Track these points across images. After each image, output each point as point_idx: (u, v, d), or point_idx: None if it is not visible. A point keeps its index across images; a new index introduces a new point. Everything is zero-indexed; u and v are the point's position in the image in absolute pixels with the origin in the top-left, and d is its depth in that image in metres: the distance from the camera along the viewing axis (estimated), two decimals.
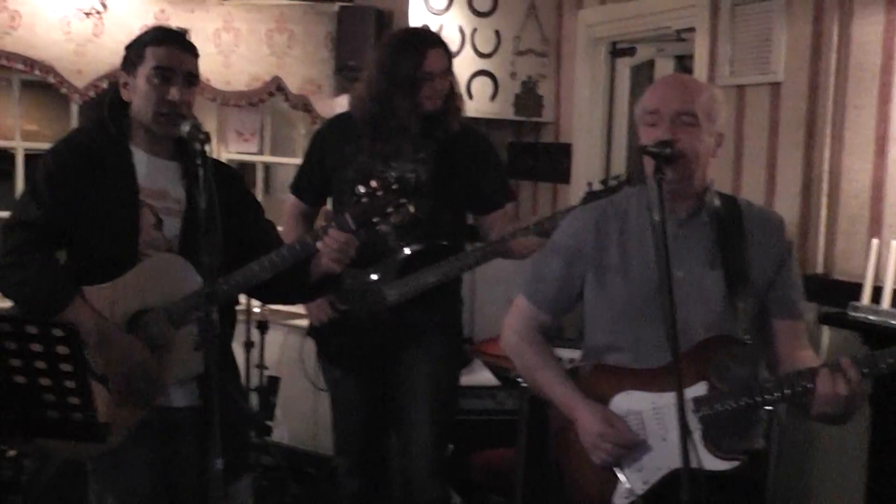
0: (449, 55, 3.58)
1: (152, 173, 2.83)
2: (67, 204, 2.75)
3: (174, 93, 2.75)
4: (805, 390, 2.40)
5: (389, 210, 2.70)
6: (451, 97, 3.59)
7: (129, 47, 2.86)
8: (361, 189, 2.71)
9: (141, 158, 2.84)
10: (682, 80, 2.79)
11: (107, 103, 2.86)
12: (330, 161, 3.62)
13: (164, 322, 2.74)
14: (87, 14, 5.01)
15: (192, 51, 2.84)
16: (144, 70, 2.78)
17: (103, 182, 2.79)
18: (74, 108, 5.36)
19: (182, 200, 2.85)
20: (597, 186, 3.34)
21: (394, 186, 2.68)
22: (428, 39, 3.58)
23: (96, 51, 5.05)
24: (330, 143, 3.65)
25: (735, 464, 2.48)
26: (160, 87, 2.75)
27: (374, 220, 2.71)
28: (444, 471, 3.65)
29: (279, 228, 3.16)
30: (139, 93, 2.79)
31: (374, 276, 3.47)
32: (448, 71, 3.55)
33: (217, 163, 3.01)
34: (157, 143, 2.84)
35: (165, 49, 2.78)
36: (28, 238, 2.72)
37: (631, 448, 2.55)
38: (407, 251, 3.46)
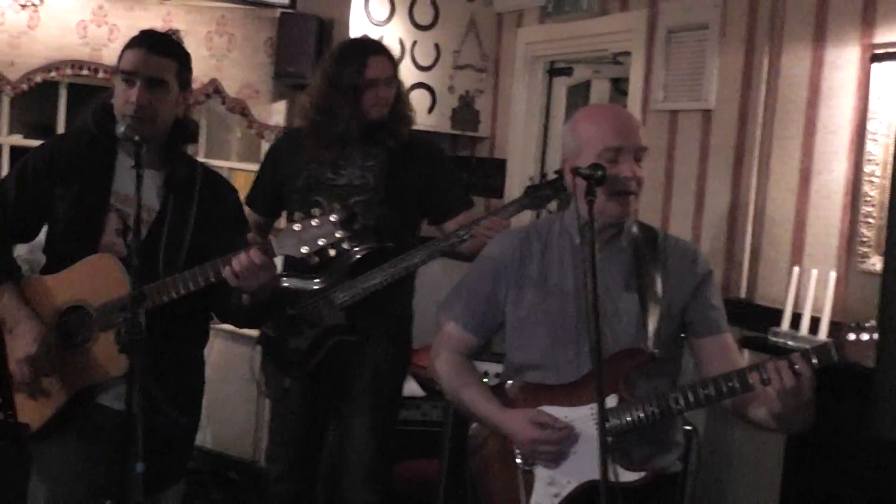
0: (393, 63, 3.62)
1: (129, 180, 2.73)
2: (31, 201, 2.82)
3: (132, 94, 2.73)
4: (730, 392, 2.44)
5: (321, 241, 2.55)
6: (399, 105, 3.63)
7: None
8: (298, 215, 2.61)
9: (124, 164, 2.81)
10: (630, 115, 2.81)
11: (94, 108, 2.86)
12: (282, 172, 3.64)
13: (89, 321, 2.73)
14: (23, 6, 4.93)
15: (163, 52, 2.80)
16: (118, 74, 2.79)
17: (77, 184, 2.80)
18: (6, 101, 5.27)
19: (155, 210, 2.82)
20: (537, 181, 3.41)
21: (332, 217, 2.55)
22: (370, 47, 3.62)
23: (30, 43, 4.97)
24: (283, 155, 3.68)
25: (642, 475, 2.53)
26: (124, 91, 2.75)
27: (303, 248, 2.56)
28: (379, 479, 3.66)
29: None
30: (115, 95, 2.80)
31: (316, 281, 3.46)
32: (392, 79, 3.59)
33: (216, 176, 3.05)
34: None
35: (132, 52, 2.77)
36: None
37: (567, 441, 2.58)
38: (356, 255, 3.46)
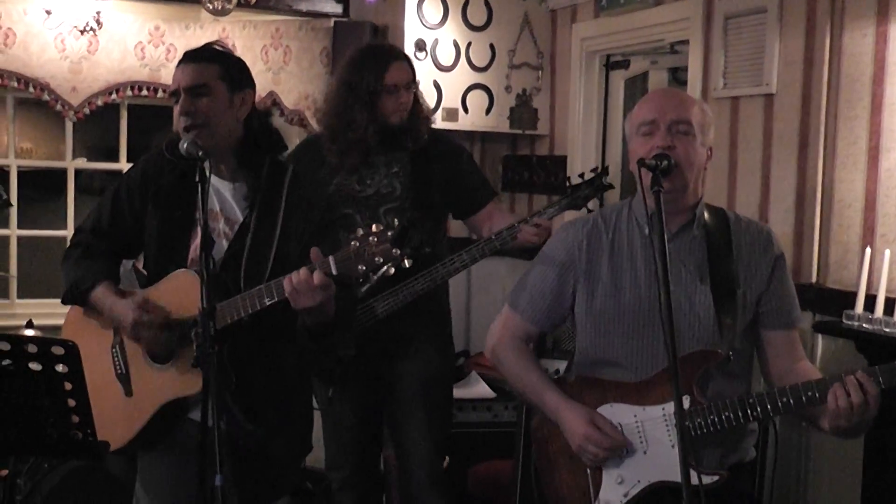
0: (412, 68, 3.61)
1: (210, 194, 2.76)
2: (126, 220, 2.91)
3: (178, 109, 2.75)
4: (809, 402, 2.40)
5: (378, 260, 2.45)
6: (417, 108, 3.62)
7: None
8: (359, 232, 2.50)
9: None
10: (675, 92, 2.84)
11: (168, 136, 2.87)
12: None
13: (172, 337, 2.74)
14: (82, 31, 5.02)
15: (199, 60, 2.79)
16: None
17: (166, 202, 2.84)
18: (69, 126, 5.37)
19: (238, 222, 2.81)
20: (576, 181, 3.38)
21: (389, 233, 2.45)
22: (390, 53, 3.62)
23: (91, 68, 5.06)
24: (304, 166, 3.60)
25: (714, 479, 2.48)
26: (175, 109, 2.77)
27: (360, 267, 2.47)
28: (443, 480, 3.65)
29: None
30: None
31: (364, 289, 3.45)
32: (411, 83, 3.58)
33: (306, 181, 3.00)
34: (217, 163, 2.80)
35: (175, 72, 2.80)
36: (81, 240, 2.95)
37: (616, 450, 2.57)
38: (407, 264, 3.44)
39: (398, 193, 3.55)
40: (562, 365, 3.84)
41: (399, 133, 3.57)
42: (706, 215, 2.69)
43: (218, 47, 2.89)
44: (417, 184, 3.56)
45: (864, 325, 3.35)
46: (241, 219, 2.81)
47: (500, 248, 3.41)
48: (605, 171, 3.40)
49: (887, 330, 3.26)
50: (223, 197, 2.83)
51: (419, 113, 3.63)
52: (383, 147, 3.57)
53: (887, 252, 3.35)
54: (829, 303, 3.60)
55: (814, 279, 3.72)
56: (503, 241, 3.39)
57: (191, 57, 2.81)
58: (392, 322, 3.50)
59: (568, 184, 3.42)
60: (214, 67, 2.79)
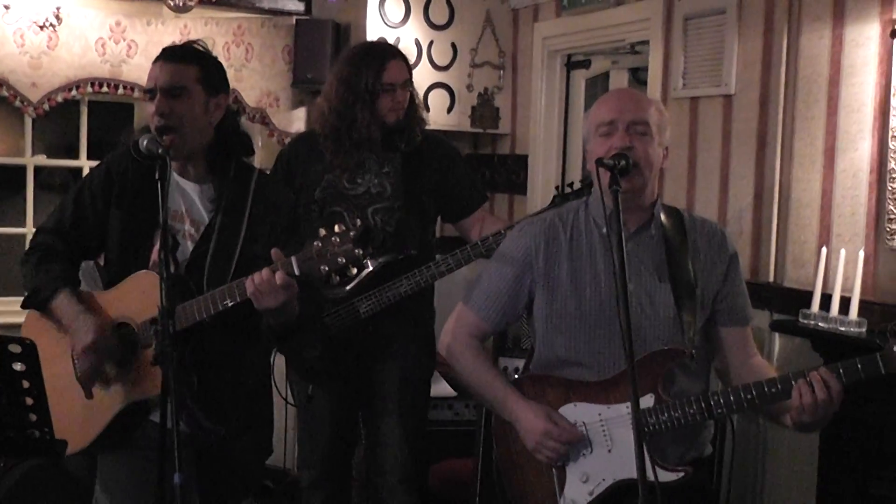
0: (409, 67, 3.61)
1: (176, 196, 2.78)
2: (88, 221, 2.85)
3: (151, 108, 2.71)
4: (773, 398, 2.44)
5: (341, 260, 2.45)
6: (413, 109, 3.61)
7: None
8: (322, 232, 2.48)
9: (175, 180, 2.80)
10: (633, 92, 2.86)
11: (138, 131, 2.82)
12: (297, 182, 3.59)
13: (133, 339, 2.71)
14: (42, 27, 4.97)
15: (178, 60, 2.75)
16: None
17: (130, 203, 2.80)
18: (28, 122, 5.31)
19: (204, 224, 2.79)
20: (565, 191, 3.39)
21: (352, 233, 2.45)
22: (388, 51, 3.61)
23: (51, 64, 5.01)
24: (296, 163, 3.63)
25: (680, 475, 2.51)
26: (149, 106, 2.73)
27: (323, 267, 2.46)
28: (413, 483, 3.65)
29: None
30: None
31: (346, 289, 3.44)
32: (408, 82, 3.58)
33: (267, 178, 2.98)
34: (185, 165, 2.79)
35: (151, 69, 2.75)
36: (42, 241, 2.87)
37: (575, 444, 2.58)
38: (372, 265, 3.43)
39: (388, 194, 3.54)
40: (521, 363, 3.85)
41: (393, 133, 3.56)
42: (662, 215, 2.72)
43: (199, 47, 2.84)
44: (408, 185, 3.56)
45: (819, 323, 3.39)
46: (207, 221, 2.79)
47: (485, 253, 3.42)
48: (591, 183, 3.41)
49: (842, 329, 3.30)
50: (189, 199, 2.81)
51: (416, 114, 3.62)
52: (376, 147, 3.56)
53: (843, 252, 3.39)
54: (786, 302, 3.64)
55: (771, 278, 3.76)
56: (489, 246, 3.39)
57: (170, 56, 2.77)
58: (374, 322, 3.50)
59: (556, 192, 3.43)
60: (193, 69, 2.75)
